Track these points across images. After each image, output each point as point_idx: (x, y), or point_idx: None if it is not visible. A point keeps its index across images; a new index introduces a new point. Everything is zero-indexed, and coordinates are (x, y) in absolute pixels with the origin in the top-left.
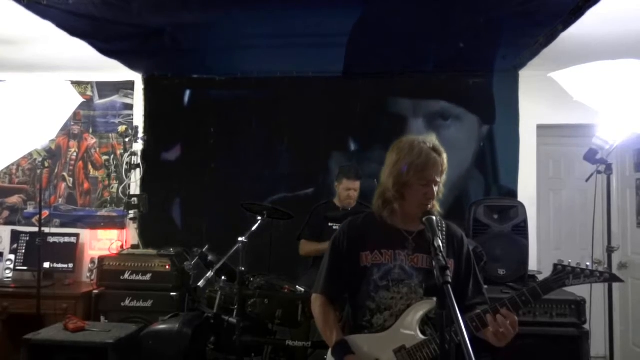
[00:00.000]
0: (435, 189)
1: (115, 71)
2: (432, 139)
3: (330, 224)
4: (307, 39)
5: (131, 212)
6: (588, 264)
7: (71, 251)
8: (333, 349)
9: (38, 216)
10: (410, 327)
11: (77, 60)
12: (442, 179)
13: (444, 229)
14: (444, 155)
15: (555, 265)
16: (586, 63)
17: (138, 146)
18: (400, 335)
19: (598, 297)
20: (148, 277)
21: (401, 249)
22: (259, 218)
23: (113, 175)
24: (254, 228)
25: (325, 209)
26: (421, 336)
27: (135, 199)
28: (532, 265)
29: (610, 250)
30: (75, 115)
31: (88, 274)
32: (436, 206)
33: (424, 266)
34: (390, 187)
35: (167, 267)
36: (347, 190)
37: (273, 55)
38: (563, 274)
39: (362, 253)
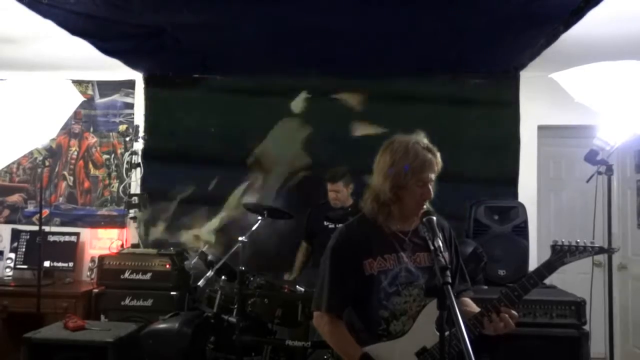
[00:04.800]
0: (431, 188)
1: (116, 70)
2: (422, 139)
3: (326, 223)
4: (306, 38)
5: (131, 211)
6: (578, 240)
7: (71, 250)
8: None
9: (38, 215)
10: (427, 328)
11: (78, 59)
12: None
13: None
14: (438, 155)
15: (552, 246)
16: (587, 64)
17: (138, 145)
18: (419, 337)
19: (598, 297)
20: (148, 276)
21: (402, 251)
22: (259, 218)
23: (113, 174)
24: (254, 228)
25: (322, 209)
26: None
27: (135, 198)
28: (532, 265)
29: (610, 251)
30: (75, 114)
31: (88, 273)
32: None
33: (427, 264)
34: (387, 190)
35: (167, 266)
36: (330, 192)
37: (274, 54)
38: (562, 253)
39: (365, 261)
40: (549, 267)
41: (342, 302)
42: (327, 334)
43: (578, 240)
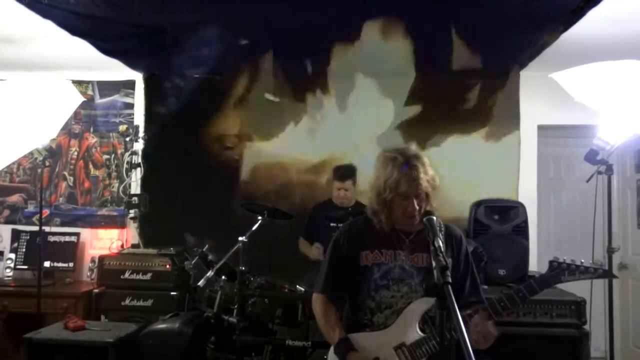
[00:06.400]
0: (416, 201)
1: (116, 70)
2: (407, 150)
3: (326, 222)
4: (307, 38)
5: (132, 211)
6: (582, 260)
7: (71, 250)
8: (336, 347)
9: (38, 215)
10: (409, 325)
11: (78, 59)
12: (427, 186)
13: (443, 230)
14: (421, 168)
15: (550, 262)
16: (587, 64)
17: (139, 145)
18: (400, 332)
19: (598, 297)
20: (148, 276)
21: (401, 250)
22: (259, 218)
23: (113, 174)
24: (254, 228)
25: (324, 207)
26: (420, 333)
27: (135, 198)
28: (532, 265)
29: (610, 251)
30: (76, 114)
31: (88, 273)
32: (432, 206)
33: (424, 265)
34: (374, 201)
35: (168, 266)
36: (337, 190)
37: (274, 54)
38: (559, 270)
39: (362, 252)
40: (541, 283)
41: (336, 287)
42: (318, 314)
43: (582, 261)
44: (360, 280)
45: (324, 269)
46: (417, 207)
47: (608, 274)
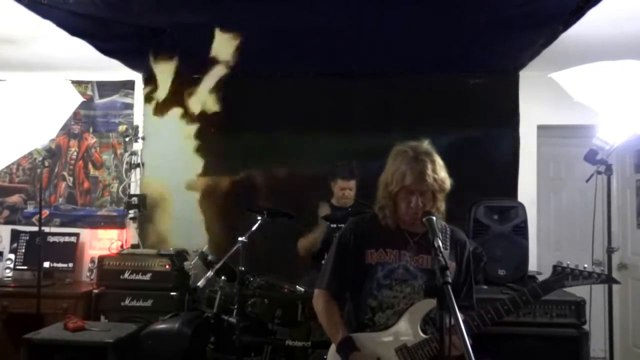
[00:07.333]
0: (420, 198)
1: (116, 70)
2: (419, 145)
3: (329, 224)
4: (306, 38)
5: (131, 211)
6: (586, 265)
7: (71, 250)
8: (338, 346)
9: (38, 215)
10: (411, 326)
11: (78, 59)
12: (434, 184)
13: (448, 233)
14: (429, 164)
15: (554, 267)
16: (586, 64)
17: (138, 146)
18: (401, 333)
19: (598, 297)
20: (148, 276)
21: (405, 250)
22: (259, 218)
23: (113, 174)
24: (254, 228)
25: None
26: (422, 335)
27: (135, 199)
28: (532, 265)
29: (610, 251)
30: (75, 114)
31: (88, 274)
32: (440, 209)
33: (428, 266)
34: (381, 195)
35: (167, 266)
36: (341, 190)
37: (274, 54)
38: (562, 275)
39: (367, 250)
40: (545, 287)
41: (340, 284)
42: (321, 311)
43: (586, 266)
44: (363, 278)
45: (329, 265)
46: (421, 204)
47: (611, 280)
